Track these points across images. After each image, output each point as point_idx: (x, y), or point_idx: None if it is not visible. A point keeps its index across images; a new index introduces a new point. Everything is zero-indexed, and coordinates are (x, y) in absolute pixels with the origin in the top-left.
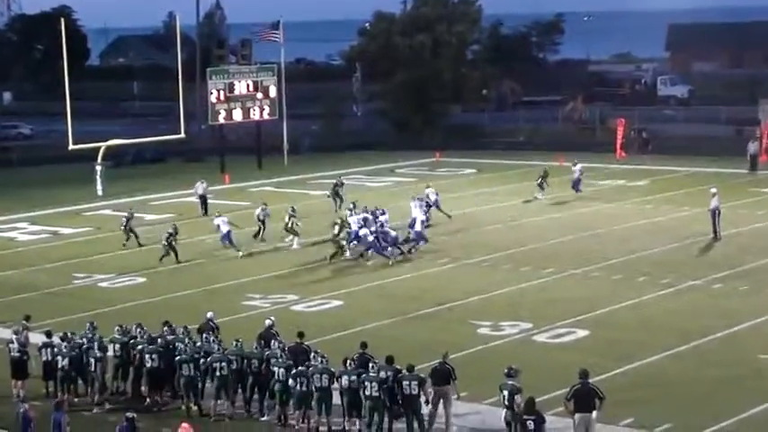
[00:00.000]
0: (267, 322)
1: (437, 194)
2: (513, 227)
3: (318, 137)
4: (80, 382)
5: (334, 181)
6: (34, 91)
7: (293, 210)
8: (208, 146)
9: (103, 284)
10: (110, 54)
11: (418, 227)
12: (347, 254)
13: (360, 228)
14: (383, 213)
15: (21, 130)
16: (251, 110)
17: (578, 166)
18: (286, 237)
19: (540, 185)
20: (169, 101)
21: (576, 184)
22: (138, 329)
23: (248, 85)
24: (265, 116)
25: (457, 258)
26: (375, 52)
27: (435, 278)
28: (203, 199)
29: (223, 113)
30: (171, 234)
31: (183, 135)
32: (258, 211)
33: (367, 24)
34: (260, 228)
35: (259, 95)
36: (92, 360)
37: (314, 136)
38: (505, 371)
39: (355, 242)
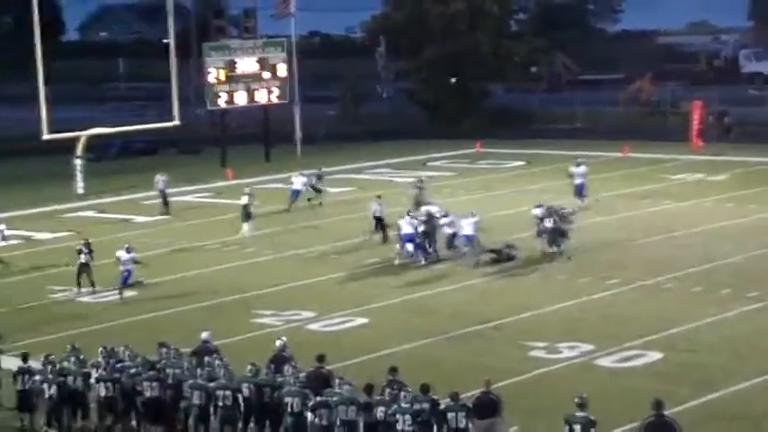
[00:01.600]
0: (278, 343)
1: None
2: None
3: (336, 123)
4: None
5: (314, 171)
6: (1, 71)
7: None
8: (206, 135)
9: (85, 299)
10: (90, 27)
11: (468, 230)
12: (396, 261)
13: (417, 228)
14: (445, 215)
15: None
16: (256, 92)
17: (581, 168)
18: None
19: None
20: (160, 82)
21: (579, 191)
22: (127, 352)
23: (253, 63)
24: (274, 99)
25: (504, 269)
26: (402, 23)
27: (478, 291)
28: (163, 195)
29: (224, 96)
30: (82, 251)
31: (177, 122)
32: (375, 206)
33: None
34: (376, 226)
35: (266, 75)
36: (86, 386)
37: (331, 123)
38: (577, 400)
39: (409, 248)
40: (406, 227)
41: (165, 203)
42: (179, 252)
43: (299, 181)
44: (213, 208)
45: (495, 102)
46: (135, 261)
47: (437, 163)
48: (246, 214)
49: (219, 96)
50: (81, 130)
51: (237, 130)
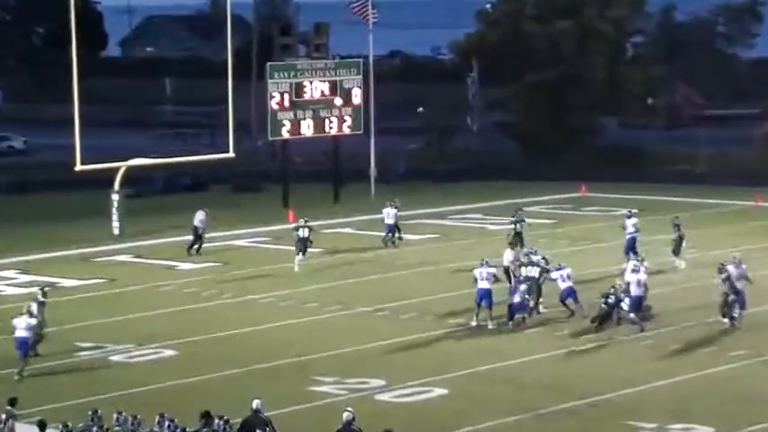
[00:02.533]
0: (345, 416)
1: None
2: (690, 290)
3: (418, 159)
4: None
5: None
6: (31, 89)
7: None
8: (266, 170)
9: (117, 358)
10: (134, 41)
11: (635, 290)
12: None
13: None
14: (559, 268)
15: (11, 143)
16: (326, 121)
17: (633, 220)
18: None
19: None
20: (214, 106)
21: (630, 247)
22: (165, 423)
23: (324, 87)
24: (346, 130)
25: (603, 336)
26: (499, 44)
27: (582, 361)
28: (197, 234)
29: (288, 125)
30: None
31: (231, 154)
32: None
33: (488, 5)
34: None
35: (338, 101)
36: None
37: (412, 158)
38: None
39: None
40: (483, 282)
41: (195, 245)
42: (229, 306)
43: (390, 213)
44: (270, 254)
45: (605, 137)
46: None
47: (535, 208)
48: (303, 246)
49: (283, 125)
50: (120, 161)
51: (302, 166)
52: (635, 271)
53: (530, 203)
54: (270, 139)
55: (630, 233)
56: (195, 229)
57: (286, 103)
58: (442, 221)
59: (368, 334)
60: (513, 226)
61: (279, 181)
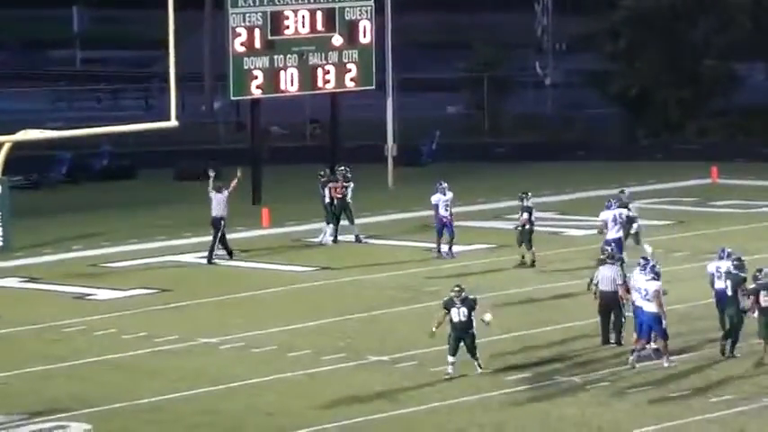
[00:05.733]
0: None
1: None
2: None
3: (460, 129)
4: None
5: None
6: None
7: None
8: (226, 146)
9: None
10: None
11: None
12: None
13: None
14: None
15: None
16: (319, 71)
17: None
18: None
19: None
20: (146, 49)
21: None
22: None
23: (315, 19)
24: (349, 84)
25: None
26: None
27: None
28: (217, 225)
29: (259, 78)
30: None
31: (173, 123)
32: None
33: None
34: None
35: (337, 40)
36: None
37: (450, 128)
38: None
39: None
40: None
41: (225, 245)
42: (168, 355)
43: (440, 200)
44: (233, 276)
45: (748, 95)
46: None
47: (640, 203)
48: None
49: (253, 77)
50: (3, 134)
51: (283, 140)
52: None
53: (632, 195)
54: (232, 98)
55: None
56: (216, 221)
57: (257, 44)
58: (496, 224)
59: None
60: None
61: (246, 163)
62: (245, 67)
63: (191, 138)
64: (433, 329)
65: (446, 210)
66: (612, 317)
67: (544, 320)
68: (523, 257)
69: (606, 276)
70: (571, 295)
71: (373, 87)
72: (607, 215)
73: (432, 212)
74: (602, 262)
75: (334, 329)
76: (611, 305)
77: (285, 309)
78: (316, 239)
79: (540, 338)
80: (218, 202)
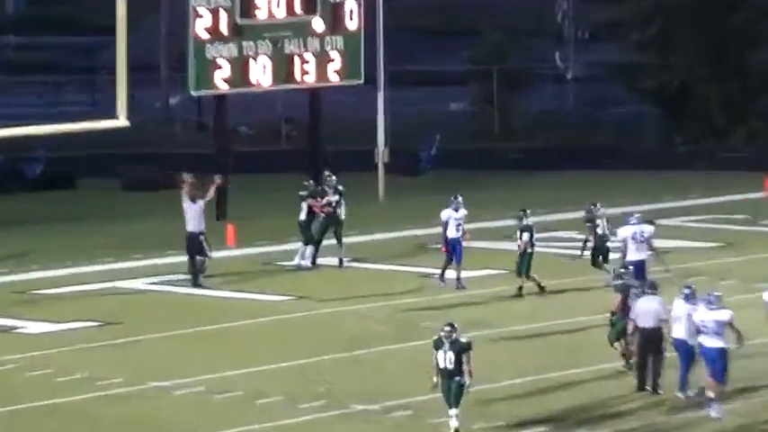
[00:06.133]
0: None
1: None
2: None
3: (466, 130)
4: None
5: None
6: None
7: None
8: (186, 150)
9: None
10: None
11: None
12: None
13: None
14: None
15: None
16: (297, 60)
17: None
18: None
19: None
20: (92, 35)
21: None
22: None
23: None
24: (333, 78)
25: None
26: None
27: None
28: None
29: (226, 69)
30: None
31: (123, 122)
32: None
33: None
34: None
35: (318, 24)
36: None
37: (454, 129)
38: None
39: None
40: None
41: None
42: (113, 402)
43: (454, 218)
44: (192, 305)
45: None
46: None
47: (677, 220)
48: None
49: (217, 68)
50: None
51: (253, 142)
52: None
53: (670, 211)
54: (193, 93)
55: None
56: (193, 237)
57: (223, 29)
58: (506, 246)
59: None
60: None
61: (210, 170)
62: (209, 56)
63: (142, 140)
64: (435, 380)
65: (458, 230)
66: (651, 358)
67: (563, 361)
68: (521, 288)
69: (647, 310)
70: (594, 328)
71: (361, 81)
72: (626, 232)
73: (437, 231)
74: (640, 293)
75: (311, 371)
76: (653, 344)
77: (254, 346)
78: (292, 263)
79: (559, 383)
80: (193, 215)
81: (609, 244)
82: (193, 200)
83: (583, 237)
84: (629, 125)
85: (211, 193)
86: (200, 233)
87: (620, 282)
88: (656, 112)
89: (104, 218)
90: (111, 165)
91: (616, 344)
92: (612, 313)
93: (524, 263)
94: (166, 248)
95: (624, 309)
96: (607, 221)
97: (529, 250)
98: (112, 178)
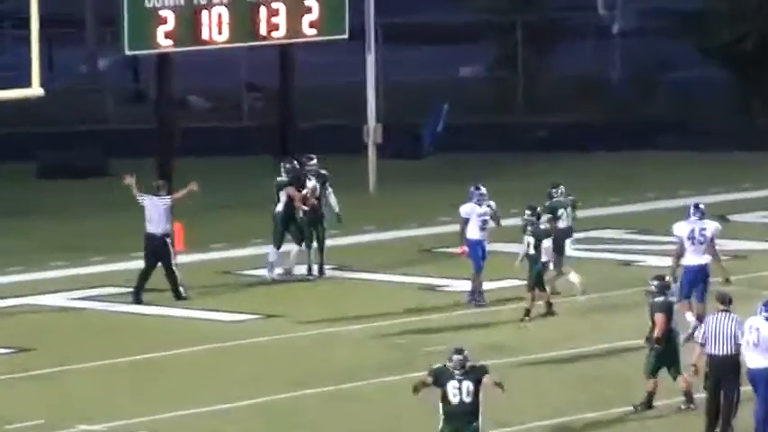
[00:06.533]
0: None
1: None
2: None
3: (480, 102)
4: None
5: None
6: None
7: None
8: (117, 126)
9: None
10: None
11: None
12: None
13: None
14: None
15: None
16: (261, 12)
17: None
18: None
19: None
20: None
21: None
22: None
23: None
24: (308, 33)
25: None
26: None
27: None
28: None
29: (169, 23)
30: None
31: (37, 91)
32: None
33: None
34: None
35: None
36: None
37: (464, 100)
38: None
39: None
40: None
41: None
42: None
43: (473, 212)
44: (130, 324)
45: None
46: None
47: (756, 215)
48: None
49: (160, 21)
50: None
51: (206, 117)
52: None
53: (747, 204)
54: (128, 52)
55: None
56: (155, 240)
57: None
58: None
59: None
60: None
61: (149, 152)
62: (148, 5)
63: (63, 114)
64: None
65: (483, 228)
66: (723, 392)
67: (603, 397)
68: (528, 312)
69: (722, 332)
70: (636, 352)
71: (345, 37)
72: (682, 230)
73: (442, 231)
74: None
75: (284, 410)
76: (727, 376)
77: (208, 379)
78: (264, 272)
79: (596, 426)
80: (155, 212)
81: (568, 240)
82: (157, 192)
83: (632, 237)
84: (696, 94)
85: (184, 193)
86: (165, 235)
87: (661, 298)
88: (729, 75)
89: (15, 213)
90: (23, 146)
91: (679, 378)
92: (647, 339)
93: (536, 274)
94: (94, 254)
95: (667, 332)
96: (573, 209)
97: (543, 259)
98: (25, 162)
